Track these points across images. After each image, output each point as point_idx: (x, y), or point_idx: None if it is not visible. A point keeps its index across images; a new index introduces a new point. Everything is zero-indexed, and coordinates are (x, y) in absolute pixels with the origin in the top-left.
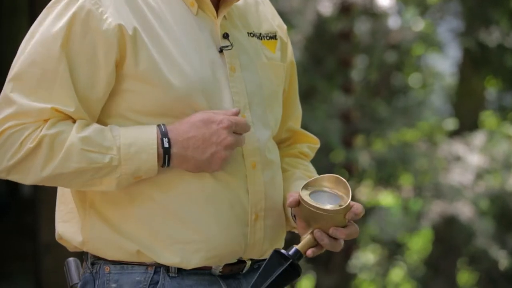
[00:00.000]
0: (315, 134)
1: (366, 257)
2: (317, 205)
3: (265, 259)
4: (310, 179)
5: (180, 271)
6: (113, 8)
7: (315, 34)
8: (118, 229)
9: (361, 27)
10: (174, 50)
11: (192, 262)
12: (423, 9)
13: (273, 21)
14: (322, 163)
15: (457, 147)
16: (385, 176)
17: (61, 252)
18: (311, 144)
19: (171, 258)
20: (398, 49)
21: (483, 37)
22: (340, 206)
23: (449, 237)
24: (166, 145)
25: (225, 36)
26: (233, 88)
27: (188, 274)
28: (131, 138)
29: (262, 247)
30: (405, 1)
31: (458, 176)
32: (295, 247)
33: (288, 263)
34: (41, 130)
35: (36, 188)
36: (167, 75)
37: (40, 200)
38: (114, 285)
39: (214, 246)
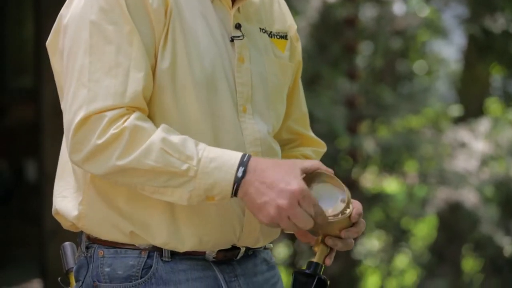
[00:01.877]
0: (319, 121)
1: (371, 243)
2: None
3: (260, 247)
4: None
5: (173, 255)
6: None
7: (320, 21)
8: (114, 207)
9: (366, 13)
10: (193, 31)
11: (186, 244)
12: None
13: (285, 21)
14: (327, 149)
15: (462, 133)
16: (390, 163)
17: (65, 238)
18: (316, 148)
19: (165, 239)
20: (403, 36)
21: (488, 23)
22: (342, 209)
23: (454, 223)
24: (245, 163)
25: (237, 26)
26: (239, 79)
27: (181, 259)
28: (214, 153)
29: (256, 236)
30: None
31: (463, 163)
32: (314, 261)
33: (316, 279)
34: (125, 120)
35: (41, 174)
36: (188, 56)
37: (45, 186)
38: (107, 269)
39: (209, 230)
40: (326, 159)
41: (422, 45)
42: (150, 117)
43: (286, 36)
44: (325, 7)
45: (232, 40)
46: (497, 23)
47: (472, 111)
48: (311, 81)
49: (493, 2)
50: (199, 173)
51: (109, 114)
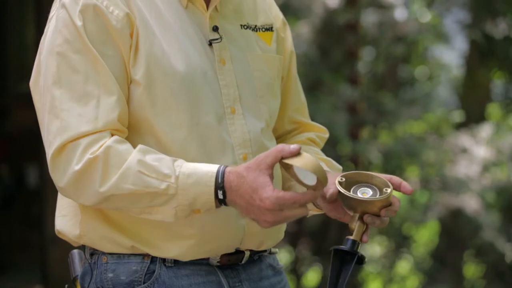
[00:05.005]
0: None
1: (373, 249)
2: (366, 198)
3: (264, 250)
4: (343, 174)
5: (176, 261)
6: None
7: (322, 26)
8: (113, 224)
9: (368, 19)
10: (164, 42)
11: (188, 255)
12: (430, 1)
13: (270, 13)
14: (329, 155)
15: (464, 139)
16: (392, 168)
17: (67, 243)
18: (319, 133)
19: (166, 252)
20: (404, 41)
21: (490, 29)
22: (383, 189)
23: (456, 229)
24: (221, 184)
25: (215, 29)
26: (222, 81)
27: (184, 264)
28: (190, 169)
29: (259, 238)
30: None
31: (465, 169)
32: (351, 238)
33: (356, 257)
34: (101, 145)
35: (42, 180)
36: (160, 68)
37: (47, 191)
38: (111, 274)
39: (210, 239)
40: None
41: (424, 50)
42: (132, 134)
43: (271, 28)
44: (326, 13)
45: (210, 44)
46: (499, 28)
47: (474, 116)
48: (313, 87)
49: (494, 7)
50: (179, 189)
51: (84, 140)
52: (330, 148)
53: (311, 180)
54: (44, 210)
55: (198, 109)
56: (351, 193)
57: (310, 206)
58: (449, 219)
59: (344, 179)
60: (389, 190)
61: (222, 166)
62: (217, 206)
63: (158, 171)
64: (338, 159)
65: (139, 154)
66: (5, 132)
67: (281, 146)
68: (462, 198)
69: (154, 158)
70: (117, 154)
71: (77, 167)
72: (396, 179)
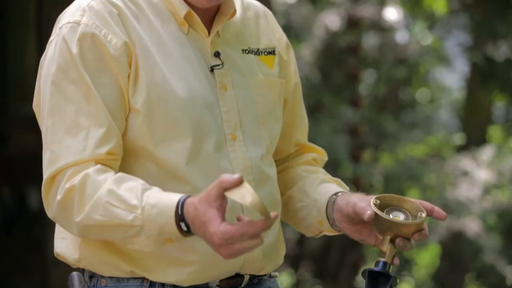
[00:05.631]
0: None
1: None
2: (404, 221)
3: (265, 275)
4: (376, 196)
5: (176, 285)
6: (113, 27)
7: (323, 49)
8: (112, 249)
9: (369, 42)
10: (165, 69)
11: (187, 281)
12: (431, 23)
13: (273, 35)
14: None
15: (465, 162)
16: (393, 191)
17: (68, 266)
18: (319, 155)
19: (165, 277)
20: (406, 64)
21: (491, 51)
22: (418, 214)
23: (457, 252)
24: (181, 216)
25: (216, 54)
26: (223, 107)
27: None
28: (156, 199)
29: (260, 264)
30: (413, 15)
31: (466, 191)
32: (382, 260)
33: (391, 279)
34: (80, 174)
35: (43, 202)
36: (161, 95)
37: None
38: None
39: (210, 266)
40: None
41: (425, 73)
42: (131, 161)
43: (273, 51)
44: (328, 35)
45: (212, 70)
46: (500, 51)
47: (475, 139)
48: (314, 109)
49: (495, 30)
50: (145, 220)
51: (69, 170)
52: (331, 171)
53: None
54: (45, 233)
55: (199, 137)
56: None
57: (326, 227)
58: (450, 241)
59: (378, 201)
60: (423, 215)
61: (184, 196)
62: (185, 236)
63: (126, 202)
64: None
65: (112, 184)
66: (6, 154)
67: (222, 177)
68: (463, 220)
69: (127, 188)
70: (93, 183)
71: (59, 197)
72: (427, 204)
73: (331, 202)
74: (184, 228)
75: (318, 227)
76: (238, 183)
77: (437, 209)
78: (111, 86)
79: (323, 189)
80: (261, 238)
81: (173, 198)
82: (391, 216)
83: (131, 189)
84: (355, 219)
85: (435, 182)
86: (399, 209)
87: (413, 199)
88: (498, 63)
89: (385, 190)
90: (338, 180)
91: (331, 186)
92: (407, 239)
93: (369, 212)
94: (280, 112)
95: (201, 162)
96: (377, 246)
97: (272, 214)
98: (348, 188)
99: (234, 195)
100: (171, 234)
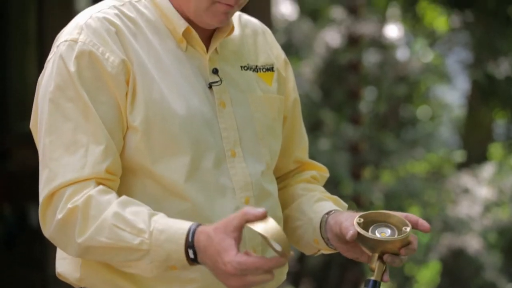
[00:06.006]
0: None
1: None
2: (387, 238)
3: None
4: (360, 214)
5: None
6: (110, 45)
7: (324, 66)
8: (113, 268)
9: (370, 59)
10: (163, 86)
11: None
12: (432, 41)
13: (271, 52)
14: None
15: (465, 179)
16: (393, 209)
17: (69, 284)
18: (320, 172)
19: None
20: (406, 81)
21: (492, 68)
22: (403, 228)
23: (457, 269)
24: (191, 244)
25: (214, 71)
26: (222, 124)
27: None
28: (165, 224)
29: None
30: (413, 33)
31: (466, 209)
32: (372, 279)
33: None
34: (84, 194)
35: None
36: (159, 113)
37: None
38: None
39: (210, 283)
40: None
41: (426, 90)
42: (129, 178)
43: (272, 68)
44: (328, 53)
45: (210, 87)
46: (501, 69)
47: (476, 156)
48: (314, 127)
49: (496, 47)
50: (152, 245)
51: (69, 189)
52: (332, 188)
53: (278, 246)
54: (46, 250)
55: (198, 154)
56: (370, 233)
57: (323, 245)
58: (450, 259)
59: (362, 220)
60: (408, 229)
61: (195, 225)
62: (190, 264)
63: (133, 226)
64: None
65: (118, 207)
66: (7, 171)
67: (246, 209)
68: (464, 238)
69: (132, 212)
70: (97, 204)
71: (59, 216)
72: (412, 216)
73: (324, 221)
74: (191, 256)
75: (315, 245)
76: (262, 217)
77: (422, 222)
78: (108, 104)
79: (318, 207)
80: (273, 274)
81: (182, 225)
82: (377, 232)
83: (137, 213)
84: (344, 238)
85: (435, 199)
86: (385, 224)
87: (398, 213)
88: (499, 80)
89: (385, 208)
90: (335, 197)
91: (327, 204)
92: (396, 254)
93: (351, 232)
94: (279, 129)
95: (200, 179)
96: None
97: (291, 253)
98: (346, 206)
99: (257, 228)
100: (177, 261)
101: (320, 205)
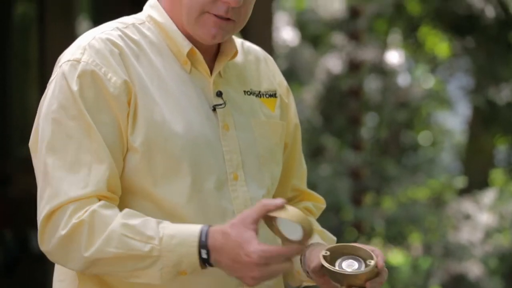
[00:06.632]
0: (323, 193)
1: None
2: (350, 271)
3: None
4: (328, 246)
5: None
6: (113, 66)
7: (325, 92)
8: None
9: (371, 85)
10: (165, 108)
11: None
12: (433, 66)
13: (274, 79)
14: (331, 221)
15: (467, 205)
16: (395, 235)
17: None
18: (317, 203)
19: None
20: (407, 107)
21: (493, 94)
22: (366, 262)
23: None
24: (204, 243)
25: (219, 94)
26: (225, 147)
27: None
28: (173, 230)
29: None
30: (415, 58)
31: (467, 235)
32: None
33: None
34: (87, 210)
35: None
36: (160, 134)
37: None
38: None
39: None
40: (330, 231)
41: (427, 116)
42: (128, 199)
43: (275, 94)
44: (329, 79)
45: (214, 109)
46: (502, 95)
47: (477, 182)
48: (316, 153)
49: (498, 73)
50: (163, 251)
51: (72, 205)
52: (333, 214)
53: (296, 235)
54: (48, 275)
55: (200, 176)
56: (337, 266)
57: (304, 277)
58: (451, 285)
59: (328, 253)
60: (372, 262)
61: (206, 226)
62: (202, 267)
63: (142, 233)
64: (340, 226)
65: (123, 218)
66: (8, 196)
67: (265, 200)
68: (465, 264)
69: (139, 221)
70: (102, 218)
71: (63, 232)
72: (377, 251)
73: (303, 254)
74: (204, 256)
75: (298, 277)
76: (281, 206)
77: (380, 258)
78: (110, 124)
79: None
80: (292, 263)
81: (193, 228)
82: (343, 265)
83: (144, 221)
84: (311, 270)
85: (436, 225)
86: (353, 257)
87: (366, 246)
88: (500, 106)
89: (386, 234)
90: (323, 230)
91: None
92: (362, 287)
93: (314, 263)
94: (280, 155)
95: (201, 201)
96: None
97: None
98: (334, 239)
99: (280, 214)
100: (188, 265)
101: None
